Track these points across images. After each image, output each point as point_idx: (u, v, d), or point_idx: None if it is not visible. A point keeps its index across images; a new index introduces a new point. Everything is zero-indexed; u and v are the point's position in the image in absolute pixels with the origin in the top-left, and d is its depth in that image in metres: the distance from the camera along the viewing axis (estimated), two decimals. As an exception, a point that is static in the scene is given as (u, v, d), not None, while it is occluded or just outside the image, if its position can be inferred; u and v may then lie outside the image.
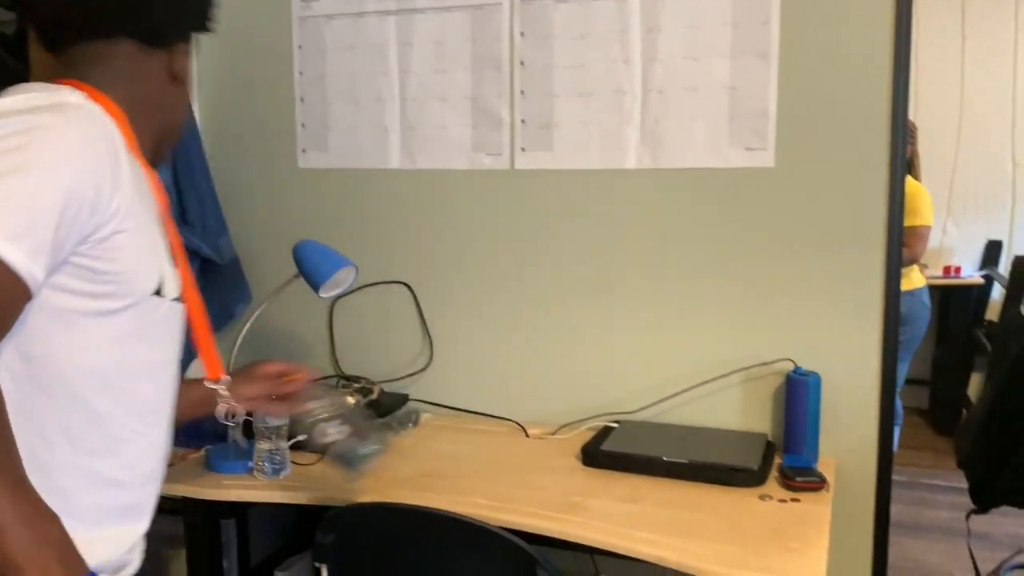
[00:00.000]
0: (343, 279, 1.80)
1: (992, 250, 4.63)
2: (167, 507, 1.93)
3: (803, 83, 1.73)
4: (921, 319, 3.64)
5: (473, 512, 1.42)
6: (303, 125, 2.13)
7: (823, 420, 1.77)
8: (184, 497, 1.64)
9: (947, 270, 4.48)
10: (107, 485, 0.99)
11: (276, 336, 2.21)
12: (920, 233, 3.48)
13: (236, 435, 1.71)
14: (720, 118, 1.78)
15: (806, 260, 1.77)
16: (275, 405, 1.44)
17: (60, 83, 0.96)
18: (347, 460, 1.39)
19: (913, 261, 3.51)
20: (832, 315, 1.76)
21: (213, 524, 1.68)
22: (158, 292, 1.00)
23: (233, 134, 2.20)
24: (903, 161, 1.69)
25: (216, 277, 2.16)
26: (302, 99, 2.12)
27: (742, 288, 1.81)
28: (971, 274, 4.52)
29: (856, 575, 1.80)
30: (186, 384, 1.21)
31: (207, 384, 1.26)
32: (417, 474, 1.64)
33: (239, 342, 1.86)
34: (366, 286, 2.11)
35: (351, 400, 1.83)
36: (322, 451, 1.41)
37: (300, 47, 2.10)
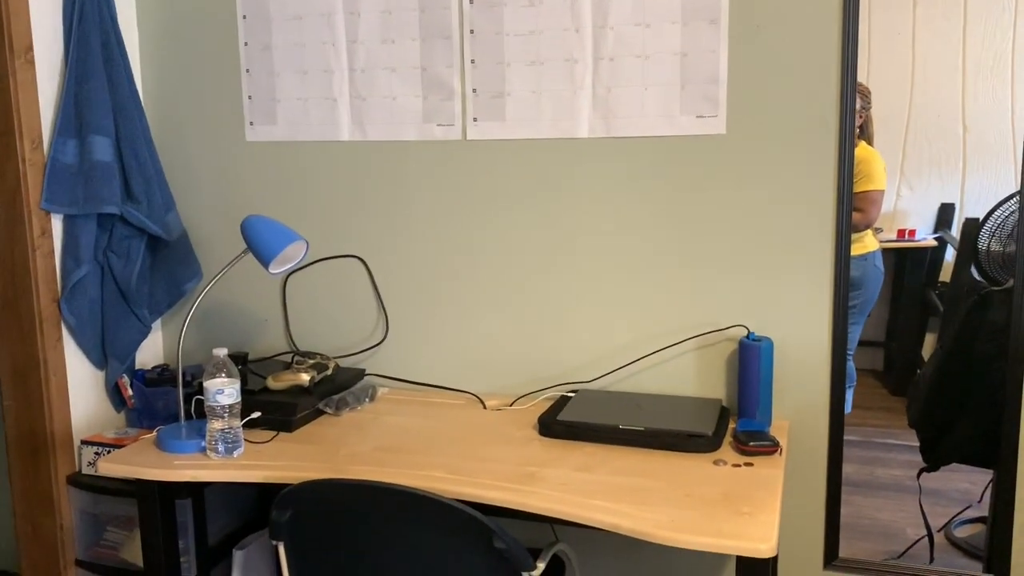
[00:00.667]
0: (293, 254, 1.77)
1: (945, 213, 4.69)
2: (121, 489, 1.92)
3: (753, 49, 1.72)
4: (875, 282, 3.67)
5: (431, 486, 1.41)
6: (250, 97, 2.08)
7: (776, 384, 1.80)
8: (137, 479, 1.62)
9: (901, 233, 4.52)
10: None
11: (228, 313, 2.18)
12: (873, 198, 3.50)
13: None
14: (672, 85, 1.77)
15: (758, 227, 1.78)
16: None
17: None
18: None
19: (868, 226, 3.53)
20: (784, 281, 1.78)
21: (168, 505, 1.65)
22: None
23: (178, 108, 2.15)
24: (852, 125, 1.70)
25: (164, 254, 2.12)
26: (248, 71, 2.07)
27: (695, 255, 1.82)
28: (925, 237, 4.58)
29: (810, 533, 1.84)
30: None
31: None
32: (374, 449, 1.64)
33: (188, 320, 1.83)
34: (319, 260, 2.09)
35: (306, 377, 1.82)
36: None
37: (244, 17, 2.05)
